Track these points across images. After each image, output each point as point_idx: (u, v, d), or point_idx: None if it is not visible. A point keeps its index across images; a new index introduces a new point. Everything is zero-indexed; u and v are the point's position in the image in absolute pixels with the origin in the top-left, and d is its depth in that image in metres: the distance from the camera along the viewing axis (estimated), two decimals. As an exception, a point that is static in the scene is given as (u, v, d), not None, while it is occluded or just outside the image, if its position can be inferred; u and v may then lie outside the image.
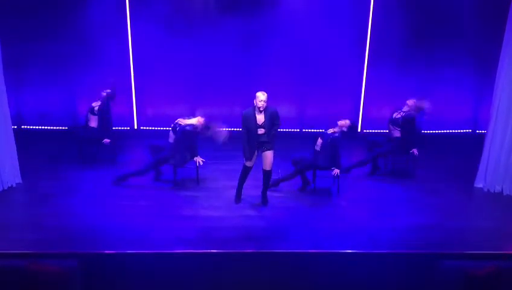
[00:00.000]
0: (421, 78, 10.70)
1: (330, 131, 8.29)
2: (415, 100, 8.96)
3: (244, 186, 7.99)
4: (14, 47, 9.97)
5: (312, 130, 10.56)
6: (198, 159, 8.43)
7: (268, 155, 7.69)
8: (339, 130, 8.24)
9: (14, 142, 8.41)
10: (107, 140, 9.13)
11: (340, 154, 8.22)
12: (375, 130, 10.73)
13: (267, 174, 7.81)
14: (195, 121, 8.34)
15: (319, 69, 10.59)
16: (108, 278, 6.46)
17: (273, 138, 7.65)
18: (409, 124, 8.86)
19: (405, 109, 8.99)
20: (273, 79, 10.48)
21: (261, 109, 7.47)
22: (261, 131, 7.56)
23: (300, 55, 10.49)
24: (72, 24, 10.05)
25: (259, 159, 7.80)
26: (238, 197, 8.00)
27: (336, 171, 8.19)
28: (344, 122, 8.24)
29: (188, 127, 8.26)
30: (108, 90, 9.22)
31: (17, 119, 10.33)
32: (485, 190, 8.66)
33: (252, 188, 8.04)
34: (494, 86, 8.46)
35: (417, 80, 10.72)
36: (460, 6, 10.23)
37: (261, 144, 7.64)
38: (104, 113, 9.16)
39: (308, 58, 10.50)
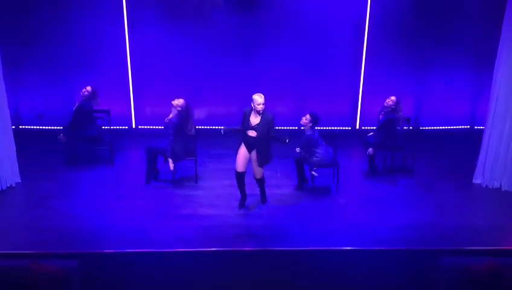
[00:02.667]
0: (419, 75, 10.71)
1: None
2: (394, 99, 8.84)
3: (244, 181, 7.82)
4: (12, 47, 9.97)
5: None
6: (171, 164, 8.29)
7: (256, 165, 7.51)
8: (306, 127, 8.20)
9: (13, 142, 8.40)
10: (62, 137, 9.06)
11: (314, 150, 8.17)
12: (373, 126, 10.72)
13: (258, 182, 7.72)
14: (175, 104, 8.30)
15: (317, 67, 10.58)
16: (108, 278, 6.47)
17: (266, 149, 7.46)
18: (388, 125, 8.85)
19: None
20: (270, 77, 10.49)
21: (260, 112, 7.35)
22: (252, 133, 7.41)
23: (298, 54, 10.47)
24: (70, 24, 10.03)
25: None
26: (242, 203, 7.84)
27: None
28: (305, 119, 8.14)
29: (174, 119, 8.29)
30: (89, 89, 9.09)
31: (15, 119, 10.31)
32: (484, 186, 8.68)
33: (250, 187, 8.00)
34: (491, 81, 8.48)
35: (415, 77, 10.73)
36: (457, 2, 10.24)
37: (251, 148, 7.49)
38: (80, 112, 9.06)
39: (306, 56, 10.49)
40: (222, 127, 7.76)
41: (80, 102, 9.08)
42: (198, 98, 10.66)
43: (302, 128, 8.26)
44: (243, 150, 7.55)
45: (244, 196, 7.85)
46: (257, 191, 7.94)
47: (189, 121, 8.36)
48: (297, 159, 8.39)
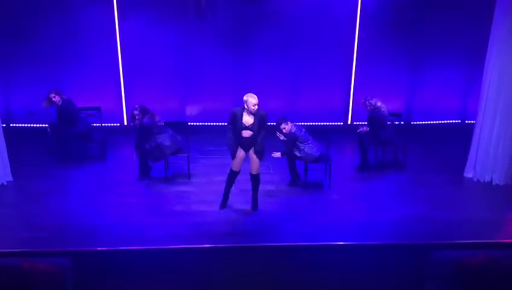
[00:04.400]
0: (410, 70, 10.74)
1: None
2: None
3: (234, 182, 7.78)
4: (1, 45, 9.91)
5: (302, 123, 10.57)
6: None
7: (255, 159, 7.51)
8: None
9: (4, 140, 8.35)
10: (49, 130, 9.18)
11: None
12: (365, 122, 10.74)
13: (254, 178, 7.65)
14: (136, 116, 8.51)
15: (308, 63, 10.57)
16: (101, 275, 6.44)
17: (261, 145, 7.45)
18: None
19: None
20: (262, 73, 10.48)
21: (254, 113, 7.29)
22: (246, 133, 7.35)
23: (290, 49, 10.47)
24: (60, 20, 9.97)
25: (246, 164, 7.70)
26: (223, 203, 7.79)
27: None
28: (285, 130, 8.30)
29: (143, 123, 8.43)
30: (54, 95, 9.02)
31: (6, 117, 10.25)
32: (475, 179, 8.73)
33: (244, 183, 8.01)
34: (482, 76, 8.53)
35: (406, 72, 10.76)
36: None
37: (248, 147, 7.46)
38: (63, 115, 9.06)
39: (298, 52, 10.49)
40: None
41: (58, 107, 9.01)
42: (190, 94, 10.66)
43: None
44: (241, 153, 7.49)
45: (227, 196, 7.80)
46: (250, 186, 7.91)
47: (154, 117, 8.46)
48: (284, 154, 8.40)
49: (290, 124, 8.29)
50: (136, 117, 8.45)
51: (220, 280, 6.60)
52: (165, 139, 8.41)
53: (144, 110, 8.45)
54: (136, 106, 8.53)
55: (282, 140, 8.31)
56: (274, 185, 8.46)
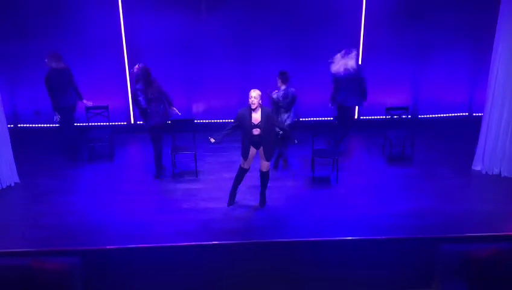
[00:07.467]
0: (416, 63, 10.67)
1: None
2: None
3: (243, 179, 7.80)
4: (7, 45, 9.94)
5: (307, 119, 10.54)
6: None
7: (264, 159, 7.54)
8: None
9: (10, 141, 8.39)
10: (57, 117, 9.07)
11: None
12: (371, 116, 10.72)
13: (263, 175, 7.68)
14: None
15: (315, 56, 10.52)
16: (110, 273, 6.49)
17: (271, 143, 7.49)
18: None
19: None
20: (269, 69, 10.44)
21: (253, 107, 7.25)
22: (256, 131, 7.36)
23: (295, 43, 10.43)
24: (66, 20, 9.98)
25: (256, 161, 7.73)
26: (231, 200, 7.81)
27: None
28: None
29: (137, 85, 8.34)
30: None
31: (13, 117, 10.30)
32: (483, 172, 8.69)
33: (250, 179, 8.02)
34: (488, 68, 8.49)
35: (412, 65, 10.70)
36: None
37: (258, 145, 7.46)
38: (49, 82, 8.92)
39: (304, 46, 10.44)
40: (212, 139, 7.54)
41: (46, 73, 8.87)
42: (197, 91, 10.65)
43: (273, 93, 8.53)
44: (252, 152, 7.51)
45: (235, 193, 7.83)
46: (258, 182, 7.91)
47: (150, 85, 8.34)
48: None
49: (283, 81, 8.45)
50: (134, 70, 8.34)
51: (229, 276, 6.62)
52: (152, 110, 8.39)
53: (145, 71, 8.30)
54: (141, 65, 8.36)
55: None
56: (281, 181, 8.46)
